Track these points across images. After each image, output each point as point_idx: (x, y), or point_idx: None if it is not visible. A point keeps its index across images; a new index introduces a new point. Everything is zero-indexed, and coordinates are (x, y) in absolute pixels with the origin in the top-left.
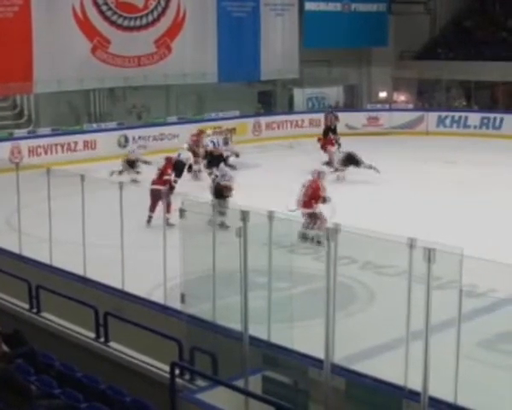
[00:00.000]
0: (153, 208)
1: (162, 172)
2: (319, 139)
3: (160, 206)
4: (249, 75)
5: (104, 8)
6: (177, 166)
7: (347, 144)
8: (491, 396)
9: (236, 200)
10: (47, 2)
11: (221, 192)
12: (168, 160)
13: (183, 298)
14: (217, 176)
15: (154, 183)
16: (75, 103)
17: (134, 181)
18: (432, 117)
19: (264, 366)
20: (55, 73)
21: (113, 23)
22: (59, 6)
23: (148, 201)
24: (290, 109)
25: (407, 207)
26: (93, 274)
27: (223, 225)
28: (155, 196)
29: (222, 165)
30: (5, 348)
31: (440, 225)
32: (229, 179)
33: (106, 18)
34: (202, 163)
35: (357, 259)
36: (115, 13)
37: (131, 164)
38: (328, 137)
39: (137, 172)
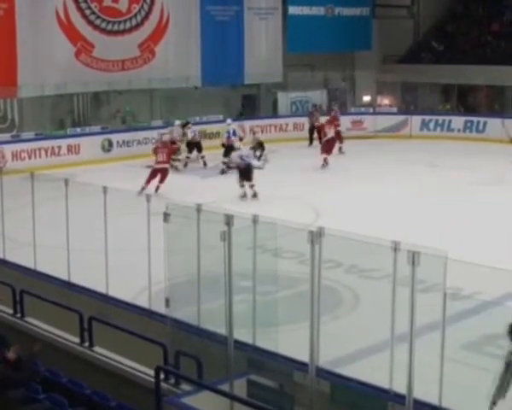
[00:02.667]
0: (149, 183)
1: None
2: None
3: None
4: (233, 79)
5: (88, 12)
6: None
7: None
8: (475, 399)
9: (221, 204)
10: (30, 7)
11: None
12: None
13: (167, 302)
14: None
15: (159, 162)
16: (59, 107)
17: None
18: (415, 120)
19: (249, 369)
20: (39, 77)
21: (96, 27)
22: (42, 10)
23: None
24: (274, 113)
25: (391, 211)
26: (77, 279)
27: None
28: (156, 174)
29: (233, 154)
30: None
31: (424, 229)
32: (249, 156)
33: (89, 22)
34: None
35: (342, 262)
36: (99, 17)
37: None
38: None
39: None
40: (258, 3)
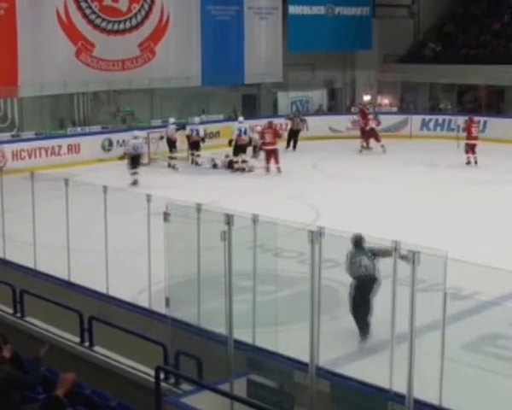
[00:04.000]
0: (268, 162)
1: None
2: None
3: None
4: (233, 79)
5: (88, 11)
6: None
7: (331, 147)
8: (475, 399)
9: (222, 204)
10: (31, 7)
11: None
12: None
13: (167, 302)
14: None
15: (269, 144)
16: (59, 107)
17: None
18: (416, 120)
19: (249, 369)
20: (40, 76)
21: (97, 27)
22: (43, 10)
23: None
24: (274, 113)
25: (391, 211)
26: (77, 279)
27: None
28: (270, 155)
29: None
30: (7, 353)
31: (424, 228)
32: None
33: (90, 22)
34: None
35: (342, 262)
36: (99, 16)
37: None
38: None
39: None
40: (259, 3)
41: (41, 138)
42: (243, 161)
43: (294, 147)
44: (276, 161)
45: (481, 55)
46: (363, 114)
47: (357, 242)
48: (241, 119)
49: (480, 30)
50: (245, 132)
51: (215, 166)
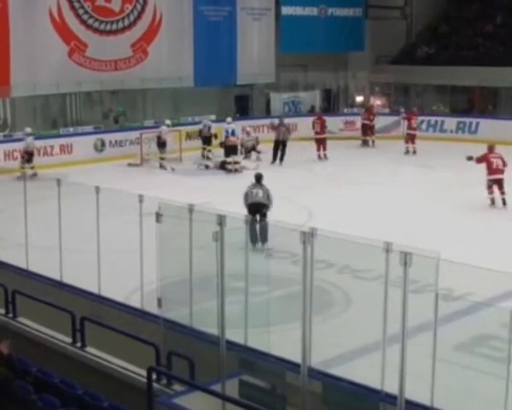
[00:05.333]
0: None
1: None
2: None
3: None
4: (225, 79)
5: (81, 11)
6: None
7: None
8: (467, 399)
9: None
10: (24, 7)
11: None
12: None
13: (159, 303)
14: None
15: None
16: (51, 107)
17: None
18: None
19: (241, 370)
20: (32, 76)
21: (89, 27)
22: (36, 10)
23: None
24: (267, 113)
25: (383, 212)
26: (70, 279)
27: None
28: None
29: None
30: (5, 349)
31: (416, 229)
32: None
33: (83, 22)
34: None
35: (334, 263)
36: (92, 16)
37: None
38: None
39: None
40: (251, 4)
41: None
42: (235, 162)
43: (281, 160)
44: (325, 149)
45: (474, 56)
46: (370, 112)
47: (258, 178)
48: (228, 119)
49: (473, 31)
50: (232, 133)
51: (207, 166)
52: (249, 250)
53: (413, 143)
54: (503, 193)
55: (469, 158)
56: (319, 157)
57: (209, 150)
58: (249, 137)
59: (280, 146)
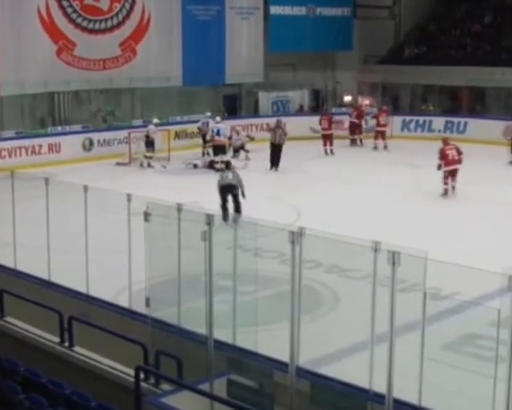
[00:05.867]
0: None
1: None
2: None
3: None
4: (214, 79)
5: (69, 10)
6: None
7: (312, 147)
8: (455, 398)
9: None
10: (12, 5)
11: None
12: None
13: (148, 302)
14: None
15: (324, 129)
16: (40, 106)
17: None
18: (396, 121)
19: (229, 369)
20: (20, 75)
21: (78, 26)
22: (24, 9)
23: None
24: (255, 113)
25: (371, 211)
26: (57, 278)
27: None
28: (326, 140)
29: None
30: None
31: (405, 229)
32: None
33: (71, 20)
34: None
35: (323, 262)
36: (80, 15)
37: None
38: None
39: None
40: (240, 3)
41: (21, 137)
42: (222, 162)
43: (277, 165)
44: (331, 144)
45: (462, 56)
46: (360, 112)
47: (227, 165)
48: (217, 119)
49: (461, 31)
50: (218, 133)
51: (195, 166)
52: (238, 248)
53: (383, 139)
54: (454, 181)
55: (439, 167)
56: (326, 152)
57: (209, 147)
58: (238, 136)
59: (275, 150)
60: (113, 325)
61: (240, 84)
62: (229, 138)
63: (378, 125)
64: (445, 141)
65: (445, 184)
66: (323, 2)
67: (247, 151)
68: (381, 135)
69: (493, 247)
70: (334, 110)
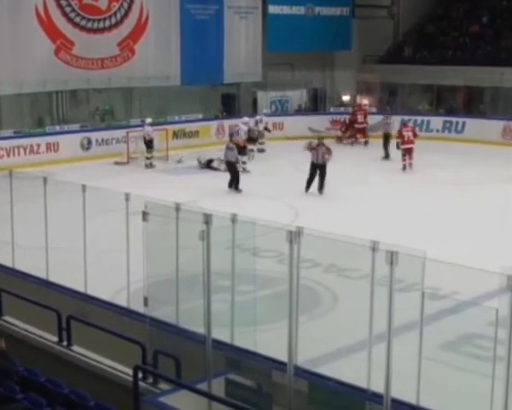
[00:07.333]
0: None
1: None
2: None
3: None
4: (212, 78)
5: (68, 9)
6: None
7: None
8: (453, 398)
9: (201, 203)
10: (10, 4)
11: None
12: None
13: (146, 301)
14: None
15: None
16: (38, 105)
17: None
18: (394, 121)
19: (227, 369)
20: (18, 74)
21: (76, 25)
22: (22, 8)
23: None
24: (254, 112)
25: (369, 211)
26: (56, 277)
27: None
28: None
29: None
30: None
31: (402, 228)
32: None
33: (69, 20)
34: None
35: (321, 262)
36: (79, 15)
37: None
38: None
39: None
40: (238, 2)
41: (19, 137)
42: (243, 162)
43: (321, 188)
44: (411, 158)
45: (460, 56)
46: (365, 112)
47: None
48: (245, 119)
49: (459, 31)
50: (237, 133)
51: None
52: (236, 248)
53: (364, 136)
54: (411, 158)
55: (397, 145)
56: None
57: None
58: (256, 126)
59: (317, 170)
60: (112, 325)
61: (238, 84)
62: (248, 131)
63: (356, 122)
64: (405, 124)
65: (403, 160)
66: (322, 2)
67: (261, 143)
68: (360, 133)
69: (491, 247)
70: (332, 110)
